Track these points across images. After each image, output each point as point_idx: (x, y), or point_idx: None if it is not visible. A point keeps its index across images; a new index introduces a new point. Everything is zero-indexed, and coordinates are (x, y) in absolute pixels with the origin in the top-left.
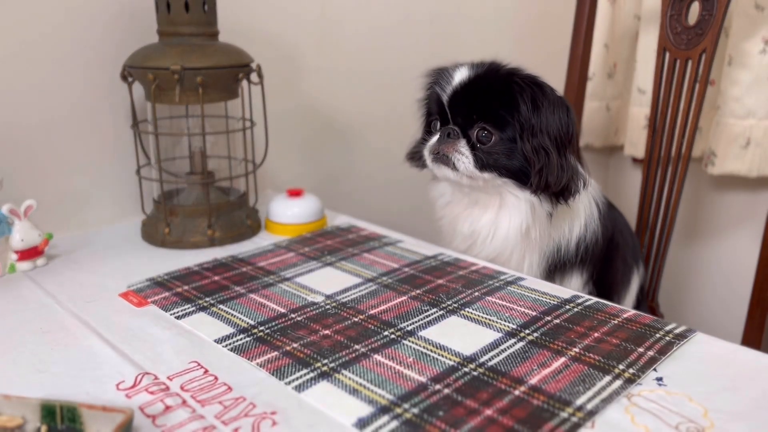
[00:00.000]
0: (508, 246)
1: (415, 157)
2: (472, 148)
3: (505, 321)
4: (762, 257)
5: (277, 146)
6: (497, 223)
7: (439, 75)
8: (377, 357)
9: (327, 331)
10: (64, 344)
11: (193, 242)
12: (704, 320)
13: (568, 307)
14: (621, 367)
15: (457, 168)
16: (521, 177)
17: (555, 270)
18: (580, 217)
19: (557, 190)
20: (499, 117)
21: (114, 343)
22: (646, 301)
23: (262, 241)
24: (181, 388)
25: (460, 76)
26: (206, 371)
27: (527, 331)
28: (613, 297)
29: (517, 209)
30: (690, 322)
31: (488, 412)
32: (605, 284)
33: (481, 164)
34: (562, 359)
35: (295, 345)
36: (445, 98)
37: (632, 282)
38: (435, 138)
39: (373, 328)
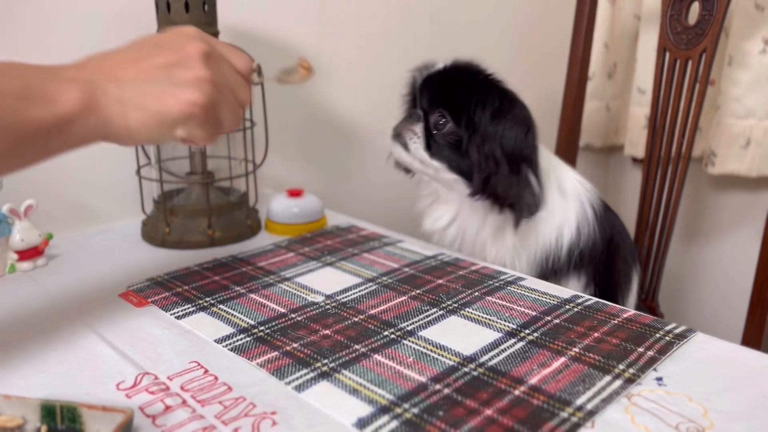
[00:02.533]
0: (480, 246)
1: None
2: (428, 133)
3: (505, 321)
4: (762, 257)
5: (277, 146)
6: (462, 223)
7: (423, 65)
8: (377, 357)
9: (327, 331)
10: (64, 344)
11: (193, 242)
12: (704, 320)
13: (568, 307)
14: (621, 367)
15: (408, 148)
16: (460, 164)
17: (548, 277)
18: (570, 223)
19: (507, 203)
20: (460, 110)
21: (114, 343)
22: (643, 300)
23: (262, 241)
24: (181, 388)
25: (439, 65)
26: (206, 371)
27: (527, 331)
28: (618, 297)
29: (476, 211)
30: (690, 322)
31: (488, 412)
32: (609, 285)
33: (432, 150)
34: (562, 359)
35: (295, 345)
36: (418, 81)
37: (633, 281)
38: (400, 119)
39: (373, 328)
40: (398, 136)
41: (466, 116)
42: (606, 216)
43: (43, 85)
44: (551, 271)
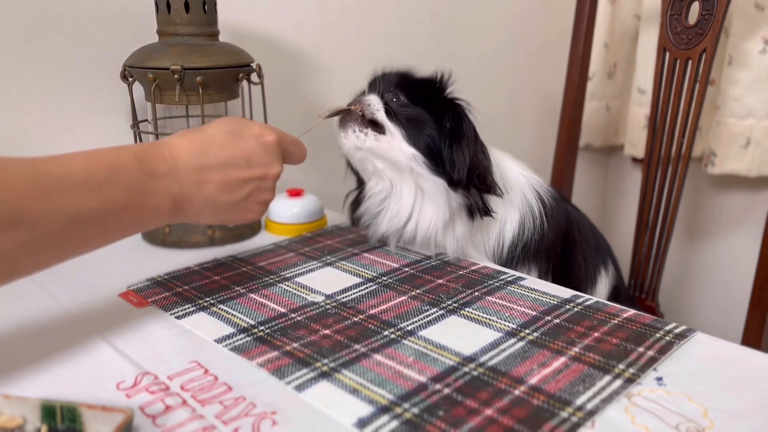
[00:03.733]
0: (430, 238)
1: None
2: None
3: (505, 321)
4: (762, 257)
5: None
6: (417, 217)
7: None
8: (377, 357)
9: (327, 331)
10: (64, 344)
11: (193, 242)
12: (704, 320)
13: (568, 306)
14: (621, 366)
15: (364, 115)
16: (430, 155)
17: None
18: (513, 217)
19: (489, 190)
20: (417, 94)
21: (114, 343)
22: (629, 302)
23: (262, 241)
24: (181, 387)
25: (405, 68)
26: (206, 371)
27: (527, 331)
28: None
29: (434, 199)
30: (690, 322)
31: (488, 411)
32: (566, 279)
33: (390, 115)
34: (562, 359)
35: (295, 345)
36: (376, 74)
37: (599, 280)
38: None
39: (373, 327)
40: (348, 113)
41: (432, 104)
42: (560, 209)
43: (142, 195)
44: (501, 263)
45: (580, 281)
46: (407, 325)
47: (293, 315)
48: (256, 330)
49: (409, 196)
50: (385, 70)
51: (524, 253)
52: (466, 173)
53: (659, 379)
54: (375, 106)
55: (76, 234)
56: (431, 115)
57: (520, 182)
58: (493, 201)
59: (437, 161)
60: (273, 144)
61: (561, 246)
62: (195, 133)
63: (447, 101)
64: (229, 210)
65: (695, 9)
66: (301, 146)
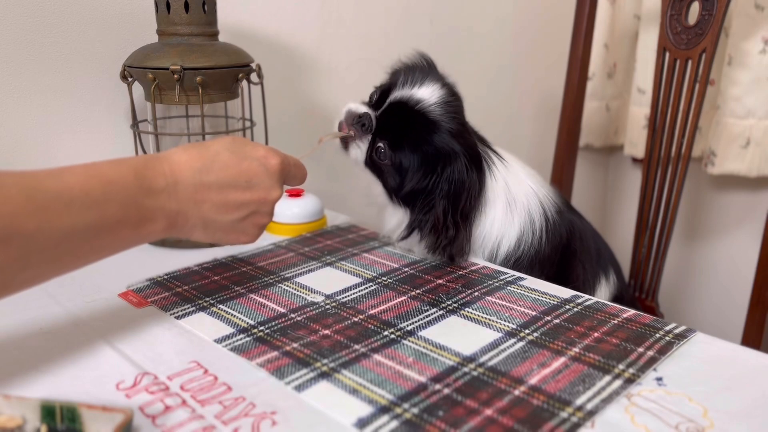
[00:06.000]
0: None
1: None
2: (372, 145)
3: (505, 321)
4: (762, 257)
5: (277, 146)
6: (396, 225)
7: (424, 69)
8: (377, 357)
9: (327, 331)
10: (64, 344)
11: (193, 242)
12: (704, 320)
13: (568, 307)
14: (621, 366)
15: (348, 152)
16: (404, 201)
17: None
18: (510, 236)
19: (456, 255)
20: (419, 141)
21: (114, 343)
22: (643, 300)
23: (262, 241)
24: (181, 388)
25: (421, 91)
26: (206, 371)
27: (527, 331)
28: None
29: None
30: (690, 322)
31: (488, 412)
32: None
33: (374, 163)
34: (562, 359)
35: (295, 345)
36: (397, 82)
37: (598, 288)
38: (358, 108)
39: (373, 328)
40: (348, 139)
41: (428, 151)
42: (563, 221)
43: (138, 211)
44: None
45: (577, 289)
46: (407, 325)
47: (293, 315)
48: (255, 330)
49: (396, 213)
50: (394, 96)
51: (516, 266)
52: (434, 240)
53: (659, 379)
54: (359, 156)
55: (71, 250)
56: (423, 163)
57: (527, 196)
58: (491, 217)
59: (413, 208)
60: (276, 168)
61: (560, 256)
62: (199, 149)
63: (442, 157)
64: (223, 230)
65: (695, 9)
66: (302, 169)
